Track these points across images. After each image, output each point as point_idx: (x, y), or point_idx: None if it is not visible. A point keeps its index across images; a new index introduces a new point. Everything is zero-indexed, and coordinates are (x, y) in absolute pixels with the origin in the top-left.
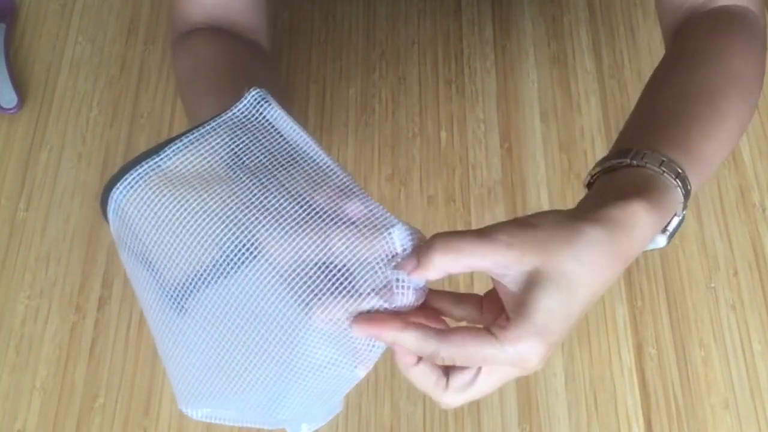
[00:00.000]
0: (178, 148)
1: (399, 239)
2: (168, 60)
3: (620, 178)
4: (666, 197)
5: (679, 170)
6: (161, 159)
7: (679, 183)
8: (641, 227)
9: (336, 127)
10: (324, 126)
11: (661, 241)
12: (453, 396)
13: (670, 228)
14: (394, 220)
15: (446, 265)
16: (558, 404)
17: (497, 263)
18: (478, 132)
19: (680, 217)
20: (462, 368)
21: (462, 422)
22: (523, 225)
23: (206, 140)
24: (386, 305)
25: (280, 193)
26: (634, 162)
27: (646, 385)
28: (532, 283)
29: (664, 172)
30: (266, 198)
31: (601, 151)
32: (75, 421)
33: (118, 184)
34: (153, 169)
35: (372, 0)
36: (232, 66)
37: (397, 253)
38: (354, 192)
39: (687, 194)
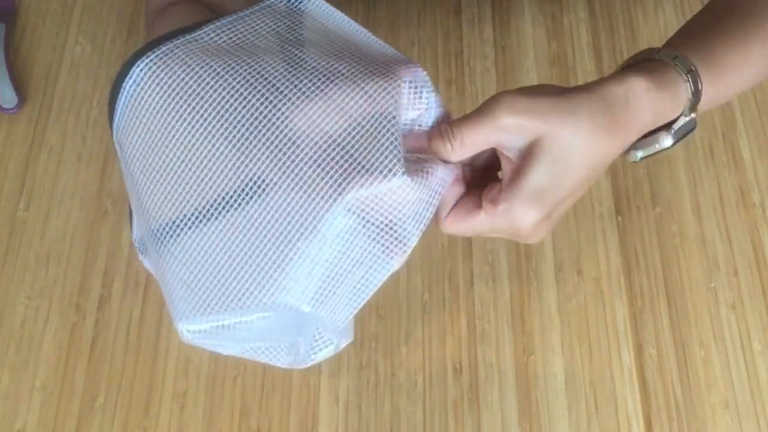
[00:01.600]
0: (217, 27)
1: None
2: None
3: (630, 68)
4: (670, 84)
5: (692, 67)
6: (198, 35)
7: (689, 79)
8: (636, 102)
9: None
10: None
11: (667, 141)
12: (451, 225)
13: (676, 126)
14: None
15: (465, 154)
16: (558, 404)
17: (504, 140)
18: None
19: (688, 118)
20: (463, 201)
21: (462, 422)
22: (528, 94)
23: (244, 21)
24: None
25: (326, 60)
26: (648, 57)
27: (646, 385)
28: (529, 154)
29: (675, 65)
30: (314, 62)
31: None
32: (75, 421)
33: (144, 57)
34: (179, 47)
35: (372, 0)
36: None
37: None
38: (409, 61)
39: (696, 93)
